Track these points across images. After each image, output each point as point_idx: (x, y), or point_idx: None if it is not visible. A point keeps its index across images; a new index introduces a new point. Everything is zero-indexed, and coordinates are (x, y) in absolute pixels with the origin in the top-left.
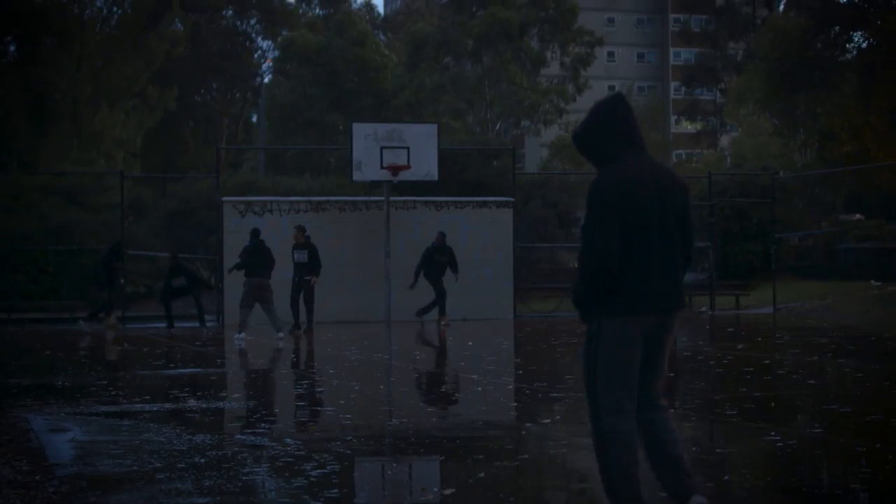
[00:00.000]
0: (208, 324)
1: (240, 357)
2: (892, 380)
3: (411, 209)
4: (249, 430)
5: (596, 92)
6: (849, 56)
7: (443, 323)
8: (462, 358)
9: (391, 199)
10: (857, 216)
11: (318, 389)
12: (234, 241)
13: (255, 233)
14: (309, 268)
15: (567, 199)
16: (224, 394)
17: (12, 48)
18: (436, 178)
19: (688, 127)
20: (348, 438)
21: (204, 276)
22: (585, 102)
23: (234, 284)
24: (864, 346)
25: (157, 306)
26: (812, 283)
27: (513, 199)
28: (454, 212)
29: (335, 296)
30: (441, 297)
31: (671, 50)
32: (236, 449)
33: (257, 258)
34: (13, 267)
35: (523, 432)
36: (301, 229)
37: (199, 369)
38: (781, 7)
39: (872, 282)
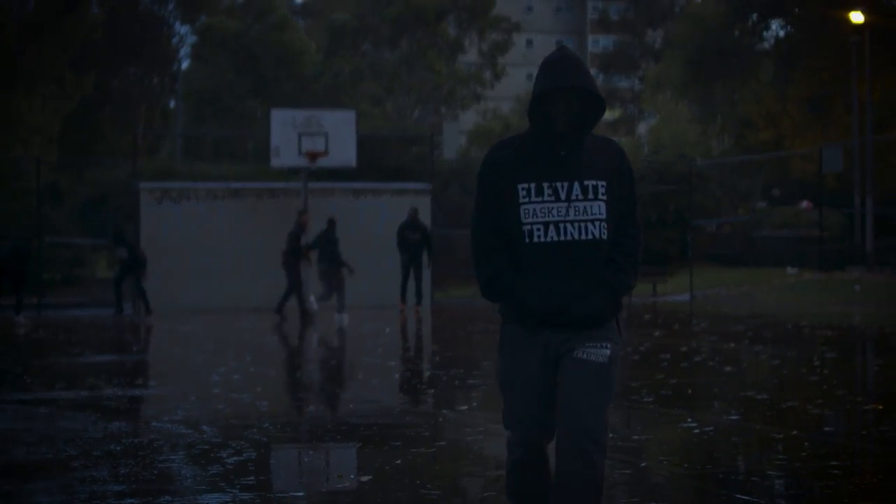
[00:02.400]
0: (123, 311)
1: (159, 344)
2: (808, 367)
3: (329, 196)
4: (166, 418)
5: (513, 79)
6: (766, 44)
7: (402, 309)
8: (379, 345)
9: (310, 185)
10: (806, 203)
11: (236, 376)
12: (152, 228)
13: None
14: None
15: None
16: (141, 381)
17: None
18: (354, 164)
19: (606, 114)
20: (265, 426)
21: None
22: (503, 89)
23: (155, 271)
24: (780, 334)
25: (76, 292)
26: (729, 270)
27: (431, 186)
28: (372, 199)
29: (252, 283)
30: (404, 279)
31: (589, 37)
32: (152, 436)
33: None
34: None
35: (440, 419)
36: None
37: (118, 356)
38: None
39: (789, 269)
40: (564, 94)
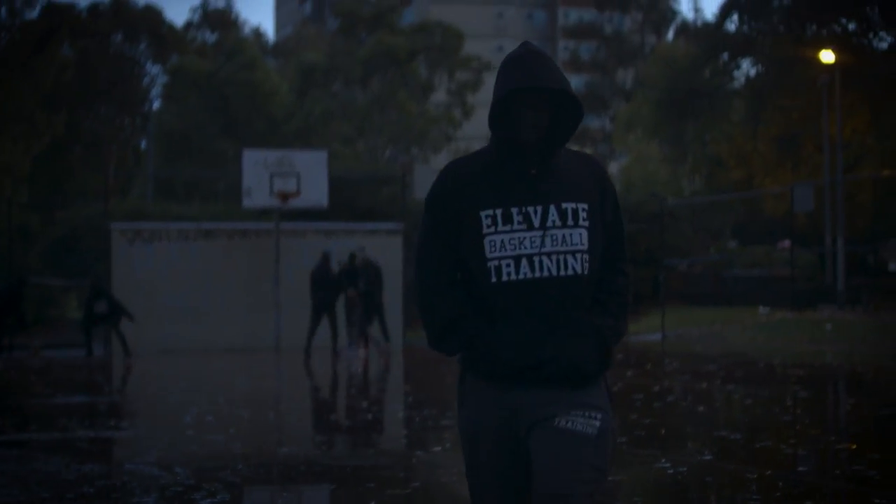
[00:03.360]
0: (92, 353)
1: (130, 386)
2: (781, 406)
3: (301, 237)
4: (139, 460)
5: (483, 118)
6: (737, 84)
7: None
8: (352, 386)
9: (281, 226)
10: (786, 242)
11: (208, 418)
12: (123, 268)
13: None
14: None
15: None
16: (114, 422)
17: None
18: (326, 205)
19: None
20: (238, 467)
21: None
22: (473, 129)
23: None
24: (752, 373)
25: (47, 333)
26: (700, 309)
27: (402, 226)
28: (344, 239)
29: (224, 323)
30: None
31: None
32: (125, 479)
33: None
34: None
35: (413, 460)
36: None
37: (90, 398)
38: (671, 35)
39: (760, 308)
40: (532, 97)
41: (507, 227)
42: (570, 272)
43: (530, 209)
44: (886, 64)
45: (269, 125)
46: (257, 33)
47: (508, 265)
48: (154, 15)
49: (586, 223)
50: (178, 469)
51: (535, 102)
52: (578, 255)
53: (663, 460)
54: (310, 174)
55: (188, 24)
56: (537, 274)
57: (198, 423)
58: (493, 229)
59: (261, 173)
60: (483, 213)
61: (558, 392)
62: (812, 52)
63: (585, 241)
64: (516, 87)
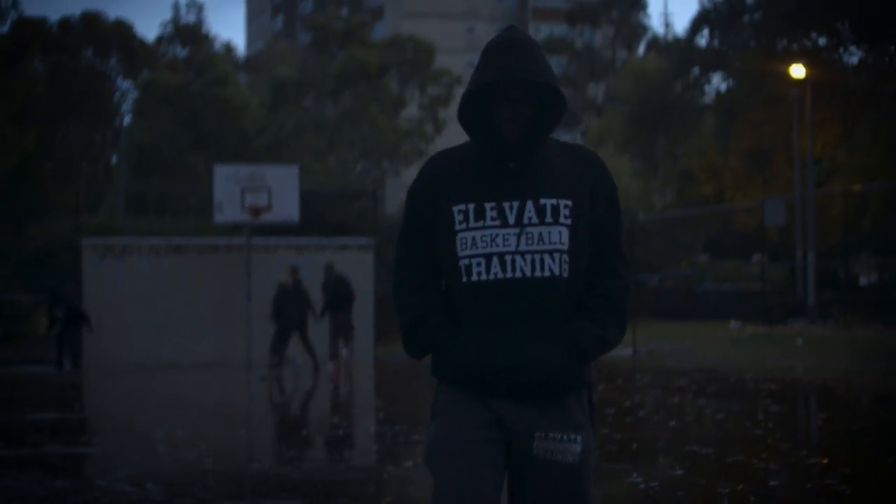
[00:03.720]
0: (63, 367)
1: (101, 401)
2: (753, 420)
3: (272, 252)
4: (110, 476)
5: (453, 132)
6: (707, 99)
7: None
8: (323, 401)
9: (252, 241)
10: (758, 256)
11: (180, 433)
12: (94, 284)
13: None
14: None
15: None
16: (85, 438)
17: None
18: (297, 220)
19: None
20: (209, 483)
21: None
22: (445, 143)
23: (97, 327)
24: (723, 387)
25: (18, 349)
26: (672, 324)
27: (374, 241)
28: (315, 254)
29: (196, 339)
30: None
31: None
32: (97, 495)
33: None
34: None
35: (385, 476)
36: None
37: (62, 414)
38: (641, 50)
39: (731, 323)
40: (513, 89)
41: (479, 224)
42: (546, 273)
43: (505, 204)
44: (857, 78)
45: (240, 140)
46: (228, 48)
47: (479, 264)
48: (125, 30)
49: (568, 221)
50: (150, 485)
51: (516, 95)
52: (557, 256)
53: (635, 475)
54: (281, 189)
55: (160, 39)
56: (509, 274)
57: (169, 439)
58: (464, 225)
59: (232, 188)
60: (455, 209)
61: (533, 406)
62: (783, 66)
63: (566, 239)
64: (493, 80)
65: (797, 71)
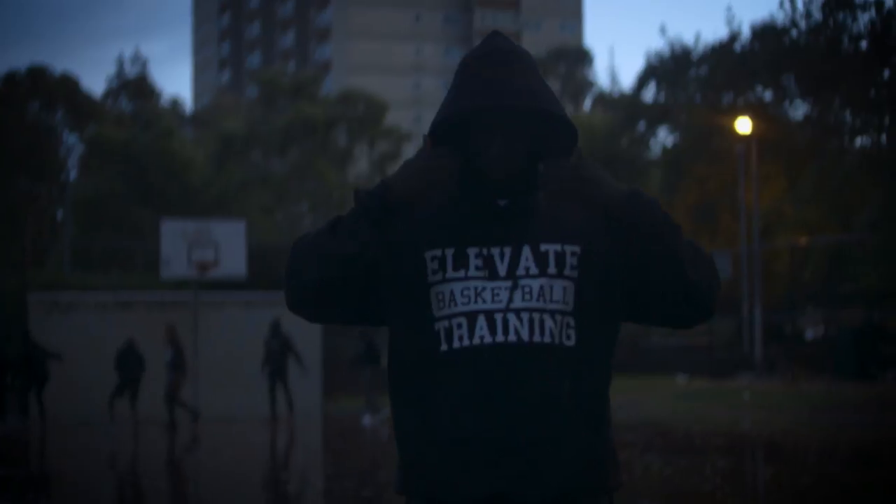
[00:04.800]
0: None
1: (46, 457)
2: (701, 475)
3: (220, 308)
4: None
5: None
6: (654, 153)
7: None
8: (270, 456)
9: (200, 297)
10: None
11: (126, 490)
12: (40, 340)
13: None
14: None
15: None
16: (31, 496)
17: None
18: (245, 275)
19: None
20: None
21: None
22: None
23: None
24: (671, 442)
25: None
26: (618, 378)
27: None
28: (264, 309)
29: (143, 394)
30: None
31: None
32: None
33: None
34: None
35: None
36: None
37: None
38: (588, 104)
39: (678, 377)
40: (504, 117)
41: (461, 274)
42: (546, 339)
43: (495, 251)
44: (802, 133)
45: (187, 194)
46: (175, 103)
47: (460, 325)
48: (71, 84)
49: (574, 273)
50: None
51: (509, 125)
52: (559, 318)
53: None
54: (228, 244)
55: (107, 93)
56: (500, 338)
57: (114, 496)
58: (440, 276)
59: (179, 243)
60: (428, 254)
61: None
62: (728, 120)
63: (570, 298)
64: (479, 106)
65: (743, 126)
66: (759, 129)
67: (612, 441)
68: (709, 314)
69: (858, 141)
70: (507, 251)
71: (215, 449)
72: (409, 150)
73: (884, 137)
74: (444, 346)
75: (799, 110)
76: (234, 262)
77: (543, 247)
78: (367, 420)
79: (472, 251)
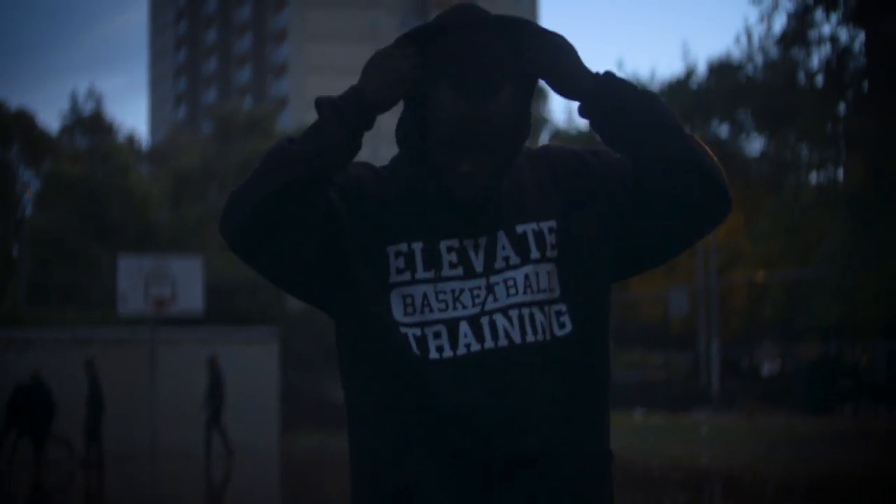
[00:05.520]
0: None
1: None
2: None
3: (177, 344)
4: None
5: None
6: None
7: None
8: (227, 492)
9: (157, 333)
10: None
11: None
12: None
13: None
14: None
15: (332, 333)
16: None
17: None
18: (202, 311)
19: None
20: None
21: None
22: None
23: None
24: (628, 476)
25: None
26: None
27: (279, 332)
28: (221, 345)
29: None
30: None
31: None
32: None
33: None
34: None
35: None
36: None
37: None
38: (545, 140)
39: (636, 412)
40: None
41: (431, 273)
42: (539, 336)
43: (467, 243)
44: (758, 168)
45: (143, 230)
46: (131, 139)
47: (438, 335)
48: (27, 119)
49: (554, 252)
50: None
51: (483, 135)
52: (547, 309)
53: None
54: (185, 281)
55: (63, 129)
56: (490, 343)
57: None
58: (407, 275)
59: (136, 280)
60: (391, 250)
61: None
62: None
63: (555, 283)
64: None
65: None
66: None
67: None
68: (728, 196)
69: (815, 176)
70: (482, 241)
71: (171, 484)
72: None
73: (840, 172)
74: (416, 351)
75: (755, 144)
76: (191, 298)
77: (520, 228)
78: None
79: (444, 244)
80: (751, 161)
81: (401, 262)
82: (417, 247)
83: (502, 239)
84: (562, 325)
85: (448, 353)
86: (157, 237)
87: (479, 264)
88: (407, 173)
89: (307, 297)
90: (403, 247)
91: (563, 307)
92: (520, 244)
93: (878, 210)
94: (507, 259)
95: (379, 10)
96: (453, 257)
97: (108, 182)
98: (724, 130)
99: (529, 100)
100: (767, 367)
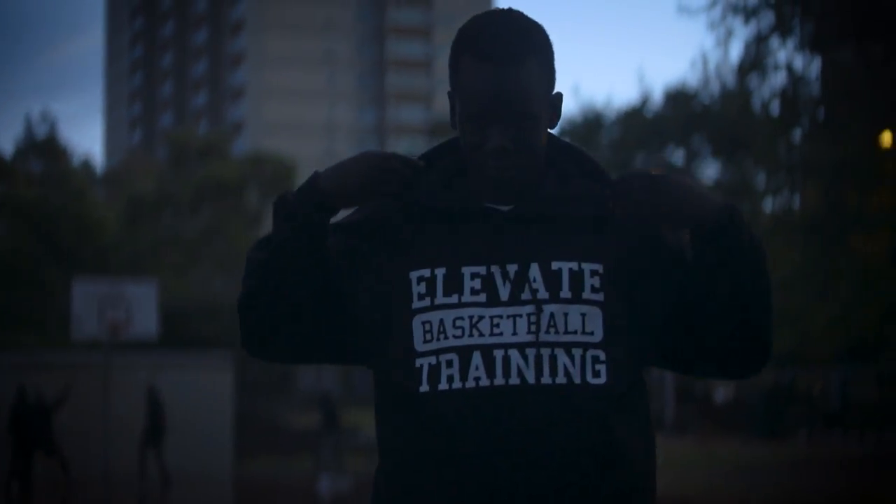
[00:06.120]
0: None
1: None
2: None
3: (131, 369)
4: None
5: None
6: None
7: None
8: None
9: (111, 358)
10: None
11: None
12: None
13: None
14: None
15: None
16: None
17: None
18: (156, 336)
19: None
20: None
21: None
22: None
23: None
24: None
25: None
26: None
27: (233, 357)
28: (176, 370)
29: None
30: None
31: None
32: None
33: None
34: None
35: None
36: None
37: None
38: None
39: None
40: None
41: (453, 298)
42: (558, 380)
43: (495, 269)
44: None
45: (98, 254)
46: (86, 163)
47: (450, 363)
48: None
49: (597, 296)
50: None
51: (510, 115)
52: (578, 353)
53: None
54: (140, 305)
55: (17, 152)
56: (500, 381)
57: None
58: (427, 301)
59: (91, 303)
60: (413, 275)
61: None
62: None
63: (598, 325)
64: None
65: None
66: None
67: None
68: (763, 364)
69: (770, 203)
70: (512, 270)
71: None
72: None
73: (796, 199)
74: (424, 387)
75: (710, 170)
76: (146, 322)
77: (556, 264)
78: (325, 485)
79: (467, 270)
80: (706, 187)
81: (422, 288)
82: (440, 272)
83: (534, 270)
84: (596, 374)
85: (457, 384)
86: (112, 261)
87: (504, 293)
88: (437, 193)
89: (349, 360)
90: (426, 272)
91: (601, 354)
92: (552, 280)
93: (832, 237)
94: (535, 292)
95: (335, 35)
96: (476, 283)
97: (62, 206)
98: (679, 156)
99: (553, 82)
100: (721, 394)
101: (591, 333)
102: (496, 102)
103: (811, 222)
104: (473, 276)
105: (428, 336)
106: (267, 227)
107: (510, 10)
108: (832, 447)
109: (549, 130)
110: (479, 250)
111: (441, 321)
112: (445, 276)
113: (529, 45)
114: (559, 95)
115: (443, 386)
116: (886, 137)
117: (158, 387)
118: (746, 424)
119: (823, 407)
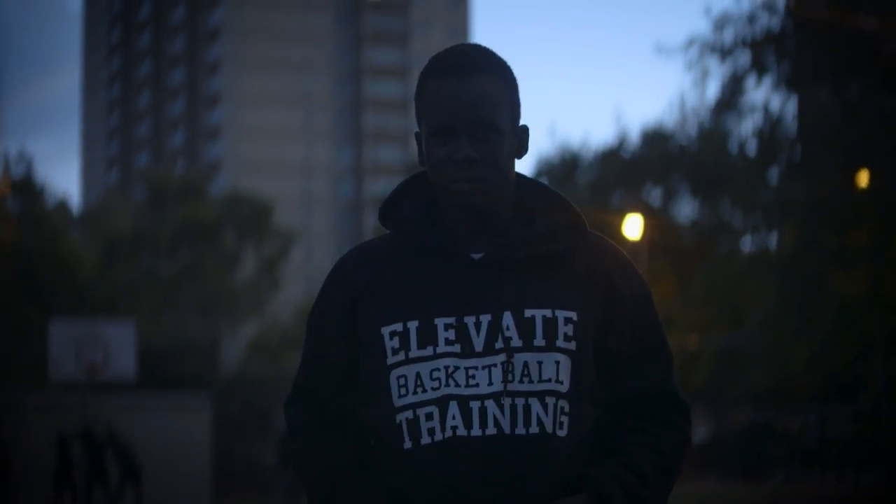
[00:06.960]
0: None
1: None
2: None
3: (108, 410)
4: None
5: (291, 286)
6: None
7: None
8: None
9: (88, 399)
10: None
11: None
12: None
13: None
14: None
15: (265, 397)
16: None
17: None
18: (134, 377)
19: None
20: None
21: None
22: (283, 295)
23: None
24: None
25: None
26: None
27: (211, 396)
28: (152, 411)
29: (31, 497)
30: None
31: None
32: None
33: None
34: None
35: None
36: None
37: None
38: None
39: None
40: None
41: (427, 351)
42: (534, 430)
43: (469, 320)
44: (691, 233)
45: (74, 294)
46: (63, 205)
47: (430, 416)
48: None
49: (570, 345)
50: None
51: (478, 130)
52: (551, 402)
53: None
54: (117, 346)
55: None
56: (477, 431)
57: None
58: (402, 356)
59: (68, 345)
60: (385, 330)
61: None
62: (618, 219)
63: (566, 375)
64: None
65: (632, 231)
66: (649, 231)
67: None
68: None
69: (747, 242)
70: (485, 319)
71: None
72: (297, 251)
73: (772, 238)
74: (407, 444)
75: (688, 209)
76: (123, 363)
77: (529, 312)
78: None
79: (440, 322)
80: (683, 227)
81: (396, 343)
82: (413, 325)
83: (507, 319)
84: (560, 425)
85: (438, 435)
86: (89, 301)
87: (478, 343)
88: (400, 245)
89: None
90: (398, 326)
91: (566, 405)
92: (525, 328)
93: (809, 277)
94: (508, 341)
95: (312, 74)
96: (451, 334)
97: (39, 246)
98: (656, 196)
99: (517, 111)
100: (699, 433)
101: (561, 383)
102: (459, 110)
103: (788, 261)
104: (447, 326)
105: (403, 391)
106: (243, 269)
107: (476, 43)
108: (810, 486)
109: (518, 172)
110: (453, 301)
111: (417, 374)
112: (419, 329)
113: (491, 63)
114: (525, 128)
115: (425, 440)
116: (862, 177)
117: (122, 429)
118: (723, 464)
119: (801, 446)
